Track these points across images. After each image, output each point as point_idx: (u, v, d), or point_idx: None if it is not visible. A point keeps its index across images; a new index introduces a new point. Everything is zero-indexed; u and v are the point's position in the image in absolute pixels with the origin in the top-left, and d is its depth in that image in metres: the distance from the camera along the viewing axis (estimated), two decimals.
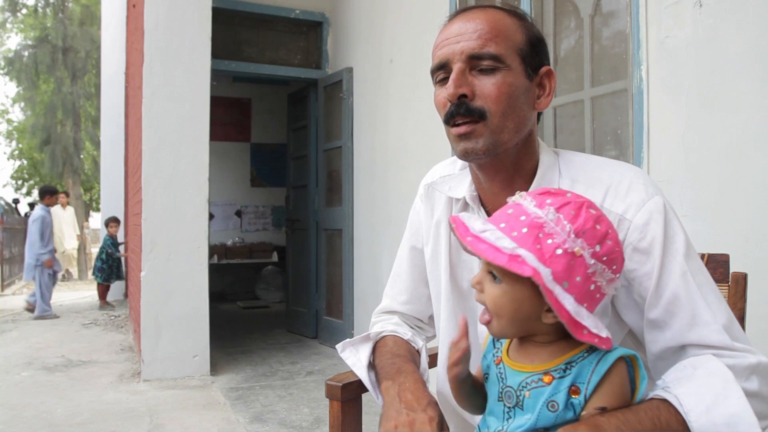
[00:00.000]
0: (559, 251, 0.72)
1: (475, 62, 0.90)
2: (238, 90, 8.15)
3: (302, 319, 5.31)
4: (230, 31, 4.85)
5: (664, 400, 0.77)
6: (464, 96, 0.90)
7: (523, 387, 0.76)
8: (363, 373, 1.07)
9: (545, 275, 0.70)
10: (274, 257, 8.13)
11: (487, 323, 0.78)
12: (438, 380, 1.12)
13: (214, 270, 4.82)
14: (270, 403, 3.37)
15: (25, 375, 4.06)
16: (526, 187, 0.95)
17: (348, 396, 1.11)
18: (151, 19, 3.88)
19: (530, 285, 0.72)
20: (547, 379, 0.75)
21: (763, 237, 1.73)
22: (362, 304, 4.45)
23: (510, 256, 0.71)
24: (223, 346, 4.77)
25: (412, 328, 1.19)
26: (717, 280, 1.16)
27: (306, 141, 5.26)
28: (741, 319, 1.12)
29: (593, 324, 0.72)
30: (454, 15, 0.97)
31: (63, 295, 8.93)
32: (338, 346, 1.13)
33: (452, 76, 0.91)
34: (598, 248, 0.74)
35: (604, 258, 0.74)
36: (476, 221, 0.78)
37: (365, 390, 1.15)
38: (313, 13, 5.00)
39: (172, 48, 3.89)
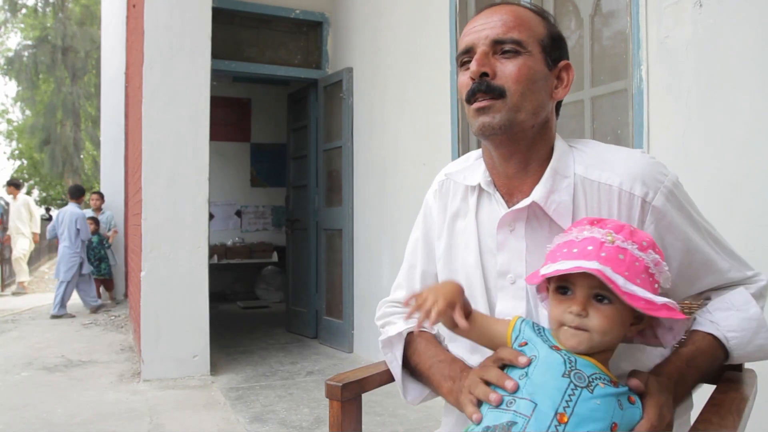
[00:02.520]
0: (657, 286, 0.86)
1: (498, 47, 0.97)
2: (238, 90, 8.15)
3: (302, 319, 5.31)
4: (230, 31, 4.85)
5: (715, 337, 0.97)
6: (485, 74, 0.96)
7: (596, 378, 0.82)
8: (398, 371, 1.12)
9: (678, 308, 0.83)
10: (274, 257, 8.13)
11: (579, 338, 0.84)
12: None
13: (214, 270, 4.82)
14: (270, 403, 3.37)
15: (25, 375, 4.06)
16: (540, 171, 1.00)
17: (348, 396, 1.11)
18: (151, 19, 3.88)
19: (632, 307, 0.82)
20: (614, 383, 0.83)
21: (764, 237, 1.73)
22: (362, 304, 4.45)
23: (663, 305, 0.81)
24: (223, 346, 4.77)
25: None
26: None
27: (306, 141, 5.26)
28: None
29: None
30: (480, 11, 1.04)
31: None
32: (382, 341, 1.16)
33: (476, 57, 0.97)
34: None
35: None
36: (618, 278, 0.81)
37: (365, 390, 1.15)
38: (313, 13, 5.00)
39: (172, 48, 3.89)
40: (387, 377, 1.20)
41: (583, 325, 0.83)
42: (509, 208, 1.02)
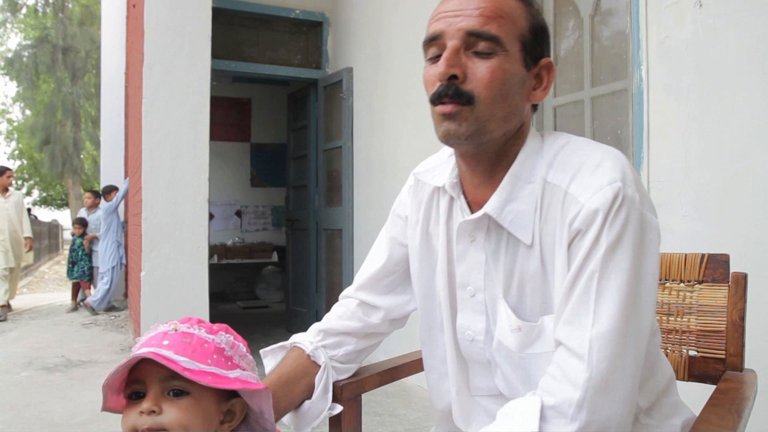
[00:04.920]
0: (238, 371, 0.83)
1: (472, 41, 0.84)
2: (238, 90, 8.15)
3: (302, 319, 5.31)
4: (230, 31, 4.85)
5: None
6: (455, 77, 0.84)
7: None
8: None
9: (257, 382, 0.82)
10: (274, 257, 8.13)
11: None
12: (432, 397, 1.09)
13: (214, 270, 4.82)
14: None
15: (25, 375, 4.06)
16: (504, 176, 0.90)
17: (348, 396, 1.11)
18: (151, 19, 3.87)
19: (215, 394, 0.80)
20: None
21: (763, 237, 1.73)
22: None
23: (236, 379, 0.79)
24: None
25: (357, 319, 1.12)
26: (717, 280, 1.16)
27: (306, 141, 5.26)
28: (741, 319, 1.12)
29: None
30: None
31: (64, 295, 8.93)
32: (261, 353, 1.11)
33: (445, 54, 0.84)
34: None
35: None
36: (180, 359, 0.76)
37: (365, 390, 1.15)
38: (313, 13, 5.00)
39: (172, 48, 3.89)
40: (387, 377, 1.21)
41: (158, 424, 0.75)
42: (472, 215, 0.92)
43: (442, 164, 1.02)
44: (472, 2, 0.84)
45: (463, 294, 0.96)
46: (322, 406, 1.06)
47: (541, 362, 0.86)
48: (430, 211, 1.03)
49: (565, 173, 0.85)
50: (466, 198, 0.95)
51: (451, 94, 0.84)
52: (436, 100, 0.86)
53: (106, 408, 0.81)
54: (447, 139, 0.87)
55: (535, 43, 0.88)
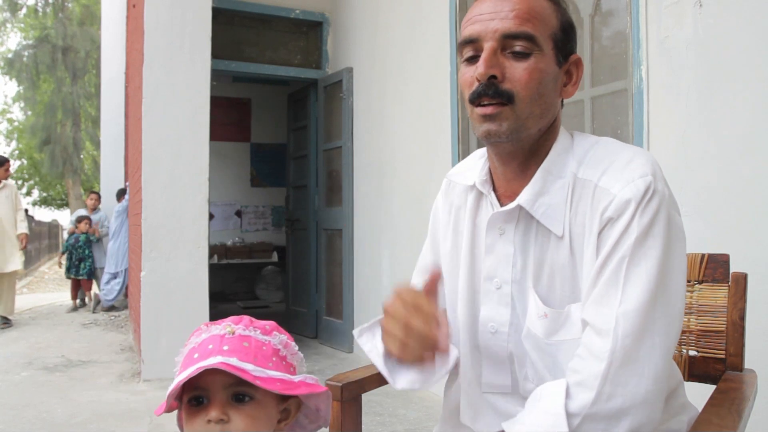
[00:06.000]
0: (293, 369, 0.84)
1: (508, 42, 0.88)
2: (238, 90, 8.15)
3: (302, 319, 5.31)
4: (230, 31, 4.85)
5: None
6: (494, 77, 0.87)
7: None
8: (379, 361, 0.98)
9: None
10: (274, 257, 8.13)
11: None
12: (443, 393, 1.10)
13: (214, 270, 4.82)
14: None
15: (25, 375, 4.06)
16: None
17: (348, 396, 1.11)
18: (151, 19, 3.87)
19: (275, 396, 0.80)
20: None
21: (763, 237, 1.73)
22: (362, 304, 4.44)
23: (300, 382, 0.79)
24: None
25: None
26: (717, 280, 1.16)
27: (306, 141, 5.26)
28: (741, 319, 1.12)
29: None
30: None
31: (64, 295, 8.92)
32: (355, 332, 1.04)
33: (483, 56, 0.88)
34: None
35: None
36: (247, 365, 0.76)
37: (365, 390, 1.15)
38: (313, 13, 5.00)
39: (172, 48, 3.89)
40: None
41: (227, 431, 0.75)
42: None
43: (472, 166, 1.06)
44: (506, 4, 0.88)
45: (489, 286, 0.98)
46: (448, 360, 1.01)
47: (567, 349, 0.88)
48: (459, 211, 1.07)
49: (596, 169, 0.89)
50: (496, 193, 0.99)
51: (491, 94, 0.88)
52: (476, 99, 0.89)
53: (162, 411, 0.82)
54: (488, 138, 0.91)
55: (566, 41, 0.92)
